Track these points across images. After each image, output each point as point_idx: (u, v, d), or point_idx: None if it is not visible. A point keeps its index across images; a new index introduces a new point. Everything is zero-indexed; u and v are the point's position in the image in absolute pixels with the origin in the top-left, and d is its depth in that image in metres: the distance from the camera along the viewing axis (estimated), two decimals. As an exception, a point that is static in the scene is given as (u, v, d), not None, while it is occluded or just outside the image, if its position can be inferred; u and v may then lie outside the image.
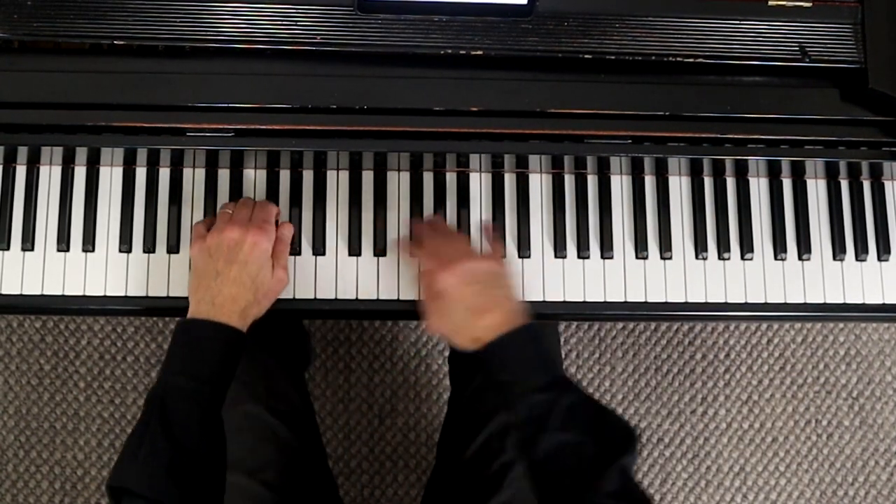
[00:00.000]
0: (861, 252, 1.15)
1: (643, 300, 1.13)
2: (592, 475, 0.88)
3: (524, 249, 1.12)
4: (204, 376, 0.96)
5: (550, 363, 0.97)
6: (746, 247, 1.14)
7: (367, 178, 1.13)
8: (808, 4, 1.07)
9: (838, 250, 1.15)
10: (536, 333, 0.97)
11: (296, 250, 1.11)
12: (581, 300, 1.12)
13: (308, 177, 1.12)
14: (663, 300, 1.13)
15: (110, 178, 1.11)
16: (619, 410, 1.70)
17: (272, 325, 1.18)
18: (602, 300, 1.13)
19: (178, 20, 1.02)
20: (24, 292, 1.09)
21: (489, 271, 1.01)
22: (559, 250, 1.13)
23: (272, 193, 1.12)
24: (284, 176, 1.12)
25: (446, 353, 1.69)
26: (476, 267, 1.00)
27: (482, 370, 1.19)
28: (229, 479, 1.11)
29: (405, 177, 1.13)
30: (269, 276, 1.03)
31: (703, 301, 1.13)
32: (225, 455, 0.99)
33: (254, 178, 1.12)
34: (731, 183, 1.16)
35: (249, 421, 1.14)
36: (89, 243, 1.10)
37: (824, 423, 1.73)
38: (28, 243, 1.09)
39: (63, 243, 1.09)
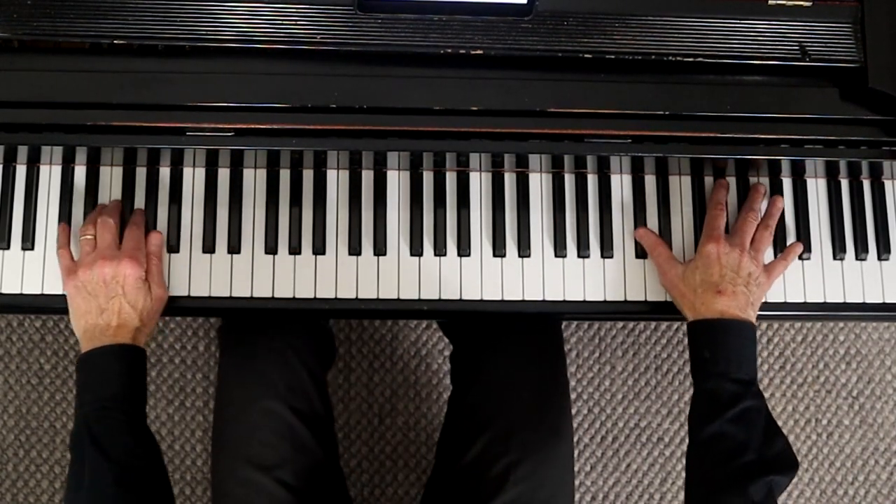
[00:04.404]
0: (861, 251, 1.15)
1: (643, 299, 1.13)
2: (743, 476, 0.95)
3: (524, 249, 1.12)
4: (115, 396, 1.00)
5: (754, 369, 1.03)
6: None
7: (367, 177, 1.13)
8: (808, 4, 1.07)
9: (838, 249, 1.15)
10: (754, 336, 1.04)
11: (296, 249, 1.11)
12: (581, 300, 1.12)
13: (308, 176, 1.12)
14: (663, 300, 1.13)
15: (110, 177, 1.11)
16: (619, 410, 1.70)
17: (297, 323, 1.19)
18: (602, 299, 1.13)
19: (178, 20, 1.02)
20: (24, 292, 1.09)
21: (750, 273, 1.06)
22: (559, 250, 1.13)
23: (272, 193, 1.12)
24: (284, 175, 1.12)
25: (446, 353, 1.69)
26: (742, 262, 1.06)
27: (483, 370, 1.19)
28: (246, 474, 1.12)
29: (405, 176, 1.13)
30: (148, 300, 1.05)
31: (703, 300, 1.13)
32: (160, 458, 1.03)
33: (254, 177, 1.12)
34: (731, 182, 1.16)
35: (268, 417, 1.14)
36: (89, 243, 1.10)
37: (824, 422, 1.73)
38: (28, 243, 1.09)
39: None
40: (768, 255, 1.13)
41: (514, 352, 1.19)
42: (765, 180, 1.16)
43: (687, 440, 1.70)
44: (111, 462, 0.96)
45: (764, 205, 1.14)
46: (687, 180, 1.16)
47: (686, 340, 1.72)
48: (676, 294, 1.09)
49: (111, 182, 1.11)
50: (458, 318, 1.29)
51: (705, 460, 0.99)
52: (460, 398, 1.23)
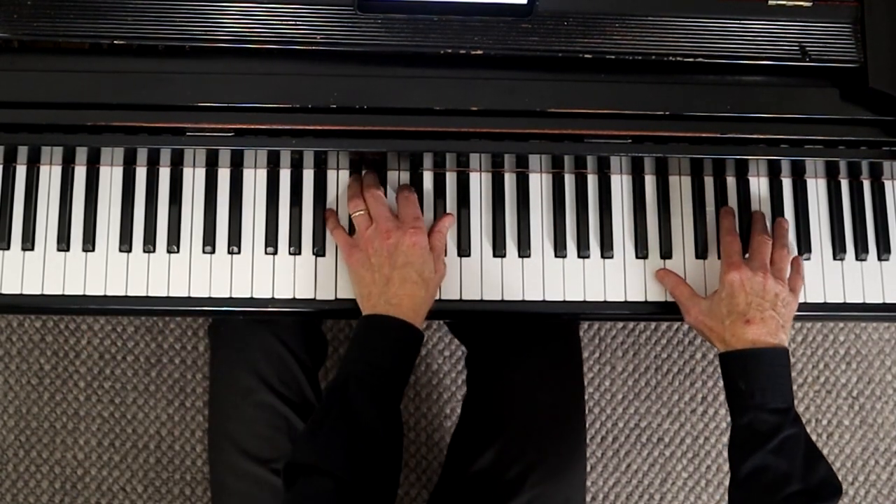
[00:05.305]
0: (861, 252, 1.15)
1: (643, 300, 1.13)
2: None
3: (524, 249, 1.12)
4: (381, 365, 1.00)
5: (790, 394, 1.02)
6: (747, 247, 1.13)
7: (367, 177, 1.13)
8: (808, 4, 1.07)
9: (838, 250, 1.15)
10: (788, 361, 1.02)
11: (296, 251, 1.11)
12: (581, 300, 1.12)
13: (308, 176, 1.12)
14: (663, 300, 1.13)
15: (110, 177, 1.11)
16: (619, 410, 1.70)
17: (289, 321, 1.19)
18: (602, 300, 1.13)
19: (178, 20, 1.02)
20: (24, 292, 1.09)
21: (777, 294, 1.05)
22: (559, 250, 1.13)
23: (272, 193, 1.12)
24: (284, 175, 1.12)
25: (447, 354, 1.69)
26: (766, 284, 1.05)
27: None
28: (245, 468, 1.12)
29: (405, 176, 1.13)
30: (433, 270, 1.05)
31: (704, 301, 1.13)
32: (401, 441, 1.03)
33: (254, 177, 1.12)
34: (731, 182, 1.16)
35: (263, 410, 1.15)
36: (89, 243, 1.10)
37: (824, 422, 1.72)
38: (28, 243, 1.09)
39: (63, 243, 1.09)
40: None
41: (534, 357, 1.20)
42: (765, 180, 1.16)
43: (687, 441, 1.71)
44: (350, 426, 0.96)
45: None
46: (687, 180, 1.16)
47: (686, 341, 1.72)
48: (704, 329, 1.07)
49: (111, 182, 1.11)
50: (459, 318, 1.29)
51: (750, 495, 0.98)
52: (476, 401, 1.23)
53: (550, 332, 1.21)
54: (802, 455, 0.98)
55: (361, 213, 1.08)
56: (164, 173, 1.12)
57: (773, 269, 1.08)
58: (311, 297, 1.10)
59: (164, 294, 1.10)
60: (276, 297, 1.10)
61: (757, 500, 0.97)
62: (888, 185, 1.17)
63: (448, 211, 1.12)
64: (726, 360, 1.04)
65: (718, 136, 1.07)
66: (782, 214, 1.15)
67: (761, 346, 1.01)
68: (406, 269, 1.02)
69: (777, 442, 0.98)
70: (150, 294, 1.10)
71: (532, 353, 1.20)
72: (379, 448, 0.97)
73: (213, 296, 1.10)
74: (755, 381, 1.00)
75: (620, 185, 1.15)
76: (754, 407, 1.00)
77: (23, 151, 1.09)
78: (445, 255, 1.11)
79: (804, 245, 1.15)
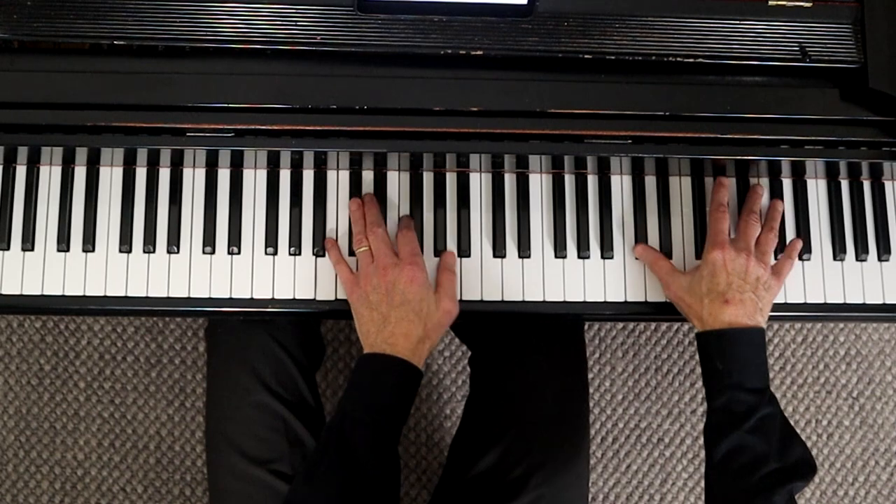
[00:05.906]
0: (861, 252, 1.15)
1: (643, 300, 1.13)
2: (766, 487, 0.95)
3: (524, 249, 1.12)
4: (379, 406, 1.00)
5: (766, 375, 1.02)
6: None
7: (367, 178, 1.13)
8: (808, 4, 1.07)
9: (838, 250, 1.15)
10: (764, 342, 1.03)
11: (296, 251, 1.11)
12: (581, 300, 1.12)
13: (308, 177, 1.12)
14: (663, 300, 1.13)
15: (110, 178, 1.11)
16: (619, 411, 1.70)
17: (288, 322, 1.19)
18: (602, 300, 1.13)
19: (178, 20, 1.02)
20: (24, 292, 1.09)
21: (758, 277, 1.05)
22: (559, 250, 1.13)
23: (272, 193, 1.12)
24: (284, 176, 1.12)
25: (446, 354, 1.69)
26: (749, 266, 1.05)
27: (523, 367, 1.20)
28: (244, 469, 1.12)
29: (405, 177, 1.13)
30: (433, 307, 1.05)
31: (704, 301, 1.13)
32: (399, 480, 1.03)
33: (254, 177, 1.12)
34: (731, 183, 1.16)
35: (260, 411, 1.15)
36: (89, 243, 1.10)
37: (824, 422, 1.72)
38: (28, 243, 1.09)
39: (63, 243, 1.09)
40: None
41: (538, 358, 1.20)
42: (765, 181, 1.16)
43: (687, 441, 1.70)
44: (345, 467, 0.96)
45: (764, 202, 1.14)
46: (687, 181, 1.16)
47: (686, 342, 1.72)
48: (683, 305, 1.08)
49: (111, 182, 1.11)
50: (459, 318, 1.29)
51: (727, 475, 0.98)
52: (480, 402, 1.23)
53: (555, 333, 1.22)
54: (779, 434, 0.99)
55: (365, 249, 1.08)
56: (164, 174, 1.12)
57: (757, 251, 1.08)
58: (311, 297, 1.10)
59: (164, 294, 1.10)
60: (276, 297, 1.10)
61: (735, 480, 0.98)
62: (888, 185, 1.17)
63: (448, 211, 1.13)
64: (703, 340, 1.05)
65: (718, 136, 1.07)
66: (782, 215, 1.15)
67: (737, 327, 1.02)
68: (403, 308, 1.03)
69: (754, 421, 0.98)
70: (150, 294, 1.10)
71: (536, 354, 1.20)
72: (374, 489, 0.98)
73: (213, 296, 1.10)
74: (732, 362, 1.01)
75: (620, 186, 1.15)
76: (731, 387, 1.00)
77: (23, 152, 1.09)
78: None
79: (804, 245, 1.15)
